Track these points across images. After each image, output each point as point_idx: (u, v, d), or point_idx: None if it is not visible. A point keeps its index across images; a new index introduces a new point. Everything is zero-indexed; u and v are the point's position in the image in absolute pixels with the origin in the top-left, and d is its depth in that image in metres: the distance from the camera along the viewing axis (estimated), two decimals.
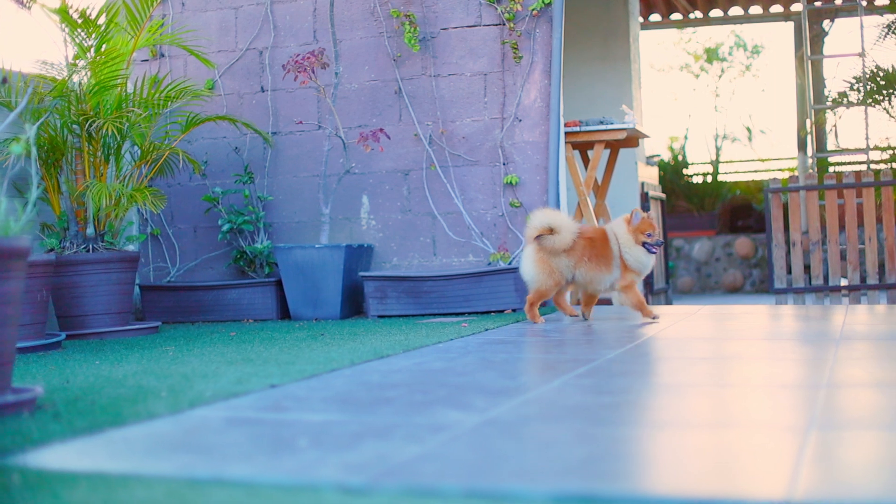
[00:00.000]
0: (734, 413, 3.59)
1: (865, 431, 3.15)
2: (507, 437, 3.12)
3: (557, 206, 7.99)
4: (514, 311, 7.66)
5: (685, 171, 17.49)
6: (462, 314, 7.71)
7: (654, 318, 7.12)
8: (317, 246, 8.14)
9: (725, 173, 18.54)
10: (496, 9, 8.37)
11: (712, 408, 3.69)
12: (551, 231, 6.88)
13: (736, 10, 17.29)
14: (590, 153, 9.18)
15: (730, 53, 21.77)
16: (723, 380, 4.39)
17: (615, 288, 7.09)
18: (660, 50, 22.08)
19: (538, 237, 6.90)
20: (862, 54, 13.79)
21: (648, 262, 7.04)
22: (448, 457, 2.87)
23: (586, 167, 9.20)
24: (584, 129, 8.98)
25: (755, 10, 17.20)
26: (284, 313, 8.48)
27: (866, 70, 13.54)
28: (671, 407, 3.78)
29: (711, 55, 21.64)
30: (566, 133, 8.76)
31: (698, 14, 17.31)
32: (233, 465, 2.82)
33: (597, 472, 2.68)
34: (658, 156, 13.42)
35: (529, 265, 7.00)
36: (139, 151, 8.25)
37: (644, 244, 6.97)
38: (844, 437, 3.08)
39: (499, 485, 2.53)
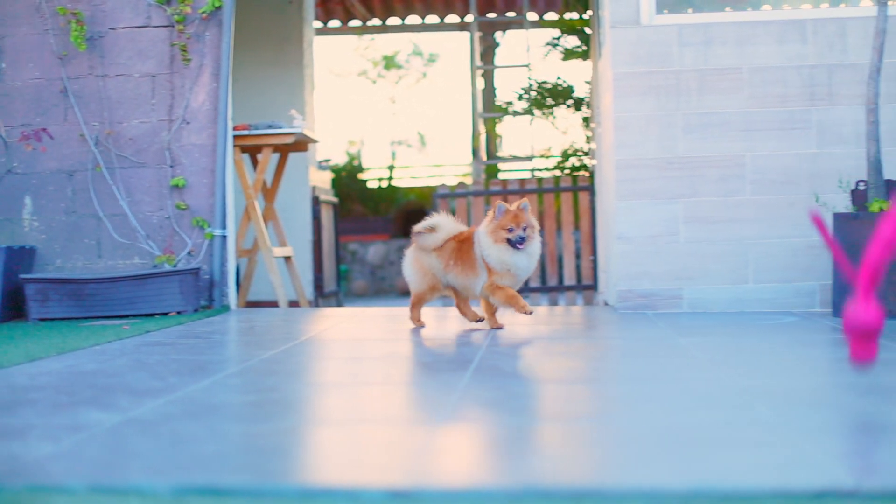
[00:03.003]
0: (374, 409, 3.74)
1: (481, 424, 3.36)
2: (144, 435, 3.16)
3: (224, 208, 8.02)
4: (178, 313, 7.65)
5: (361, 176, 17.76)
6: (127, 317, 7.65)
7: (528, 312, 6.26)
8: None
9: (401, 178, 18.92)
10: (166, 10, 8.33)
11: (355, 405, 3.83)
12: (432, 231, 6.47)
13: (413, 19, 17.67)
14: (260, 157, 9.24)
15: (406, 61, 22.24)
16: (371, 378, 4.53)
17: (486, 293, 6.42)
18: (339, 55, 22.35)
19: (418, 233, 6.50)
20: (528, 66, 14.35)
21: (516, 260, 6.21)
22: (81, 455, 2.89)
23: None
24: (252, 132, 9.04)
25: (432, 19, 17.62)
26: None
27: (532, 82, 14.10)
28: (314, 404, 3.90)
29: (389, 62, 22.05)
30: (235, 136, 8.80)
31: (377, 21, 17.60)
32: None
33: (226, 465, 2.76)
34: (330, 160, 13.60)
35: (407, 266, 6.64)
36: None
37: (507, 240, 6.17)
38: (464, 429, 3.27)
39: (126, 480, 2.58)
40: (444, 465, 2.76)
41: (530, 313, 6.28)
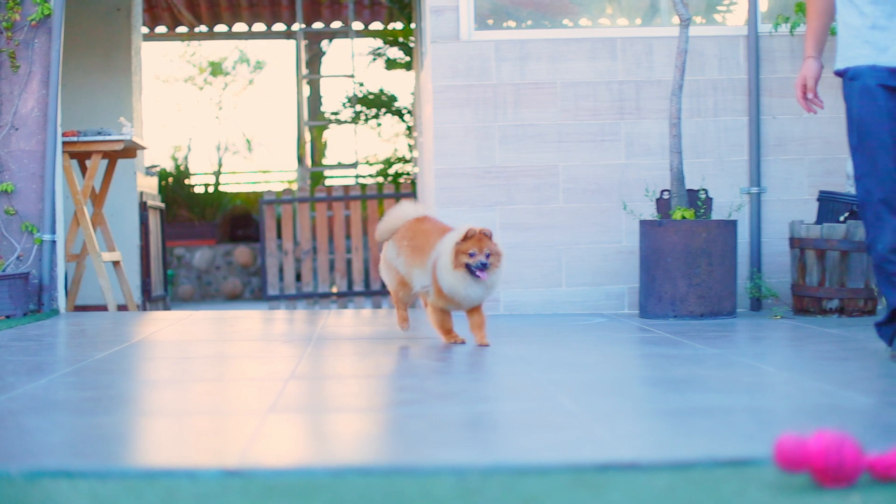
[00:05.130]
0: (206, 402, 4.01)
1: (306, 414, 3.67)
2: None
3: (53, 214, 8.13)
4: (7, 317, 7.74)
5: (188, 181, 17.81)
6: None
7: (460, 342, 5.79)
8: None
9: (228, 184, 19.01)
10: None
11: (187, 399, 4.09)
12: None
13: (240, 27, 17.79)
14: (88, 163, 9.35)
15: (233, 68, 22.33)
16: (201, 376, 4.80)
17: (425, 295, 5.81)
18: (166, 61, 22.30)
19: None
20: (352, 76, 14.68)
21: (469, 293, 5.53)
22: None
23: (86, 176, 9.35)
24: (82, 139, 9.14)
25: (259, 27, 17.76)
26: None
27: (358, 91, 14.43)
28: (149, 399, 4.15)
29: (216, 69, 22.11)
30: (64, 143, 8.90)
31: (204, 28, 17.68)
32: None
33: (73, 452, 3.01)
34: (157, 166, 13.70)
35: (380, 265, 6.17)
36: None
37: (466, 265, 5.45)
38: (290, 418, 3.57)
39: None
40: (272, 448, 3.05)
41: (461, 342, 5.78)
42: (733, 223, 7.54)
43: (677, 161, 7.49)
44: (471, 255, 5.44)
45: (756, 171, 8.18)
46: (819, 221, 7.67)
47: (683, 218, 7.40)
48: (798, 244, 7.64)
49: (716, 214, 7.87)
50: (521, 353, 5.51)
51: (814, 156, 8.24)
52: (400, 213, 5.98)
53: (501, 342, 5.96)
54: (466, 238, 5.48)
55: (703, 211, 7.61)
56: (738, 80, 8.25)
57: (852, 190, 7.75)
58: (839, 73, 5.07)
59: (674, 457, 2.82)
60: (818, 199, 7.84)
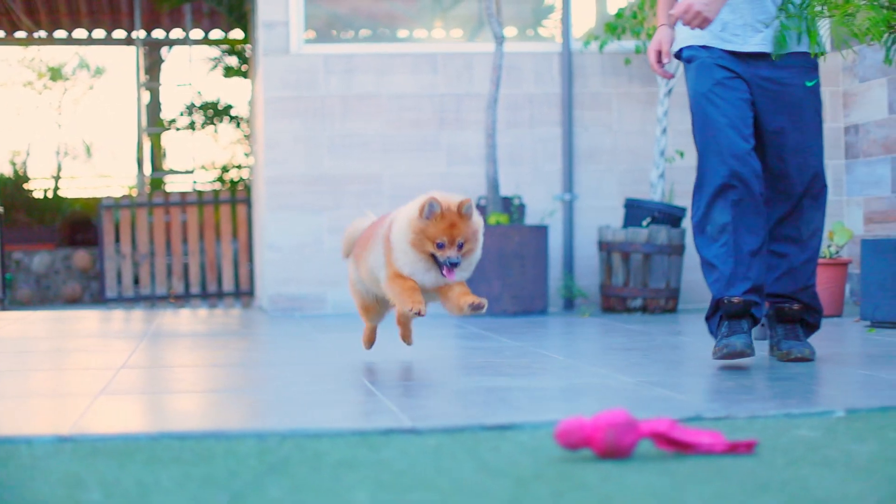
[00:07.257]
0: (44, 387, 4.41)
1: (134, 395, 4.10)
2: None
3: None
4: None
5: (27, 186, 17.89)
6: None
7: (417, 312, 4.36)
8: None
9: (67, 188, 19.11)
10: None
11: (26, 384, 4.48)
12: None
13: (81, 33, 17.90)
14: None
15: (73, 73, 22.39)
16: (39, 366, 5.19)
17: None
18: (4, 66, 22.24)
19: None
20: (190, 85, 15.00)
21: (429, 276, 4.44)
22: None
23: None
24: None
25: (99, 33, 17.89)
26: None
27: (196, 99, 14.75)
28: None
29: (55, 74, 22.14)
30: None
31: (43, 33, 17.76)
32: None
33: None
34: None
35: None
36: None
37: (432, 255, 4.35)
38: (119, 399, 4.00)
39: None
40: (101, 421, 3.48)
41: (419, 314, 4.42)
42: (545, 228, 8.11)
43: (492, 169, 8.04)
44: (439, 246, 4.32)
45: (569, 180, 8.77)
46: (625, 226, 8.27)
47: (498, 223, 7.94)
48: (605, 247, 8.23)
49: (530, 220, 8.44)
50: (339, 346, 5.98)
51: (622, 165, 8.86)
52: (354, 227, 5.09)
53: (324, 337, 6.42)
54: (431, 216, 4.32)
55: (516, 216, 8.16)
56: (553, 94, 8.83)
57: (655, 197, 8.41)
58: (677, 56, 4.88)
59: (447, 424, 3.32)
60: (624, 206, 8.44)
